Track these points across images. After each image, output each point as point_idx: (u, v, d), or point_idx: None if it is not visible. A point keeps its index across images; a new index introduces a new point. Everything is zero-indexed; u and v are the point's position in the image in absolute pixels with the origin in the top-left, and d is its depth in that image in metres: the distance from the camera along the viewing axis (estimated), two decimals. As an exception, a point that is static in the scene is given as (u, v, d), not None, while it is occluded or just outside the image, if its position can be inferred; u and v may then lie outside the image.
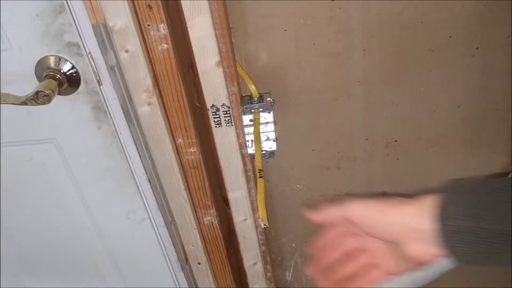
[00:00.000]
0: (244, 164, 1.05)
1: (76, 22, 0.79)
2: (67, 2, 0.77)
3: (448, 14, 0.96)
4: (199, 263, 1.17)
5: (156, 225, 1.08)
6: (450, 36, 0.99)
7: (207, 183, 1.05)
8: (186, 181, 1.04)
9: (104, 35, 0.82)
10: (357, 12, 0.95)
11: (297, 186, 1.23)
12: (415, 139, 1.14)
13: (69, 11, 0.78)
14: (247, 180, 1.07)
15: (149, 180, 1.01)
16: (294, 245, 1.37)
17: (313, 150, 1.16)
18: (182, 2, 0.81)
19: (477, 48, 1.00)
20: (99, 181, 0.99)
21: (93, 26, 0.80)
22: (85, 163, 0.96)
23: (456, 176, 1.20)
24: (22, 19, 0.77)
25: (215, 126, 0.98)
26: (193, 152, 1.00)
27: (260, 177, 0.99)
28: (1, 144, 0.94)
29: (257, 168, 1.00)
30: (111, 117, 0.90)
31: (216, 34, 0.87)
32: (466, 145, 1.15)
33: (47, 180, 0.99)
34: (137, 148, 0.96)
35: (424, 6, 0.95)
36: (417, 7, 0.95)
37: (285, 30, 0.98)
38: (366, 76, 1.04)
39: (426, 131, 1.12)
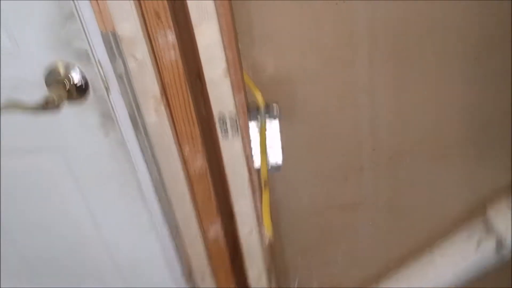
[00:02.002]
0: (250, 174, 1.05)
1: (85, 30, 0.80)
2: (76, 10, 0.78)
3: (454, 22, 0.97)
4: (203, 275, 1.16)
5: (161, 236, 1.07)
6: (457, 45, 0.99)
7: (213, 194, 1.04)
8: (192, 191, 1.03)
9: (113, 43, 0.83)
10: (363, 20, 0.96)
11: (303, 197, 1.23)
12: (421, 150, 1.13)
13: (78, 19, 0.79)
14: (253, 191, 1.07)
15: (155, 189, 1.00)
16: (299, 258, 1.35)
17: (319, 161, 1.16)
18: (189, 8, 0.82)
19: (485, 58, 1.01)
20: (105, 189, 0.99)
21: (102, 33, 0.81)
22: (91, 170, 0.96)
23: (462, 188, 1.20)
24: (32, 26, 0.78)
25: (222, 135, 0.98)
26: (199, 162, 0.99)
27: (266, 187, 0.99)
28: (8, 151, 0.94)
29: (263, 179, 1.00)
30: (118, 125, 0.91)
31: (223, 41, 0.87)
32: (473, 157, 1.15)
33: (53, 187, 0.99)
34: (143, 157, 0.96)
35: (431, 13, 0.96)
36: (424, 14, 0.96)
37: (292, 39, 0.99)
38: (372, 85, 1.04)
39: (433, 142, 1.12)
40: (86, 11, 0.78)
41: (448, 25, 0.97)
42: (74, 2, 0.77)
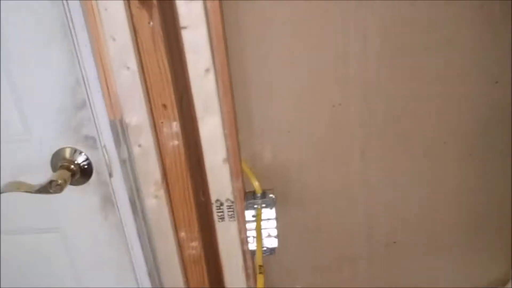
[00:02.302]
0: (245, 260, 1.05)
1: (95, 117, 0.84)
2: (89, 99, 0.83)
3: (443, 121, 1.03)
4: None
5: (152, 321, 1.05)
6: (444, 142, 1.04)
7: (206, 280, 1.04)
8: (186, 277, 1.03)
9: (119, 130, 0.87)
10: (357, 117, 1.02)
11: (297, 286, 1.22)
12: (414, 241, 1.15)
13: (89, 107, 0.83)
14: (247, 277, 1.06)
15: (149, 274, 1.00)
16: None
17: (314, 249, 1.17)
18: (195, 102, 0.87)
19: (470, 154, 1.05)
20: (100, 272, 0.98)
21: (110, 121, 0.85)
22: (88, 253, 0.96)
23: (458, 279, 1.19)
24: (46, 113, 0.83)
25: (218, 221, 1.00)
26: (194, 247, 1.00)
27: (260, 273, 0.99)
28: (7, 231, 0.94)
29: (258, 264, 1.00)
30: (118, 209, 0.92)
31: (224, 133, 0.92)
32: (465, 249, 1.16)
33: (49, 268, 0.98)
34: (140, 241, 0.96)
35: (421, 112, 1.02)
36: (414, 113, 1.02)
37: (289, 132, 1.04)
38: (365, 177, 1.08)
39: (426, 233, 1.14)
40: (98, 101, 0.83)
41: (440, 120, 1.03)
42: (87, 92, 0.82)
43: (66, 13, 0.75)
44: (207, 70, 0.83)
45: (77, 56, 0.79)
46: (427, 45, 0.97)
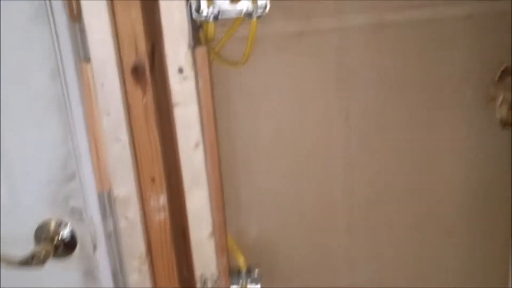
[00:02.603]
0: None
1: (83, 189, 0.85)
2: (78, 171, 0.84)
3: (426, 196, 1.06)
4: None
5: None
6: (427, 218, 1.07)
7: None
8: None
9: (107, 202, 0.87)
10: (341, 193, 1.05)
11: None
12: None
13: (78, 179, 0.84)
14: None
15: None
16: None
17: (299, 329, 1.14)
18: (183, 176, 0.88)
19: (453, 230, 1.07)
20: None
21: (98, 193, 0.86)
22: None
23: None
24: (35, 184, 0.83)
25: (202, 298, 0.98)
26: (177, 326, 0.97)
27: None
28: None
29: None
30: (100, 284, 0.90)
31: (211, 207, 0.93)
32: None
33: None
34: (119, 319, 0.93)
35: (403, 188, 1.05)
36: (397, 189, 1.05)
37: (276, 207, 1.05)
38: (351, 253, 1.09)
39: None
40: (87, 173, 0.84)
41: (422, 196, 1.06)
42: (77, 165, 0.83)
43: (63, 88, 0.79)
44: (196, 145, 0.86)
45: (71, 129, 0.81)
46: (407, 124, 1.02)
